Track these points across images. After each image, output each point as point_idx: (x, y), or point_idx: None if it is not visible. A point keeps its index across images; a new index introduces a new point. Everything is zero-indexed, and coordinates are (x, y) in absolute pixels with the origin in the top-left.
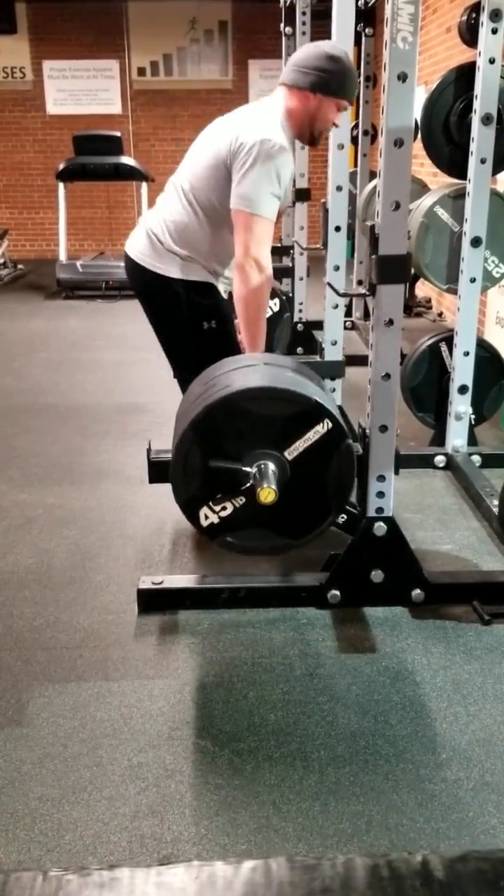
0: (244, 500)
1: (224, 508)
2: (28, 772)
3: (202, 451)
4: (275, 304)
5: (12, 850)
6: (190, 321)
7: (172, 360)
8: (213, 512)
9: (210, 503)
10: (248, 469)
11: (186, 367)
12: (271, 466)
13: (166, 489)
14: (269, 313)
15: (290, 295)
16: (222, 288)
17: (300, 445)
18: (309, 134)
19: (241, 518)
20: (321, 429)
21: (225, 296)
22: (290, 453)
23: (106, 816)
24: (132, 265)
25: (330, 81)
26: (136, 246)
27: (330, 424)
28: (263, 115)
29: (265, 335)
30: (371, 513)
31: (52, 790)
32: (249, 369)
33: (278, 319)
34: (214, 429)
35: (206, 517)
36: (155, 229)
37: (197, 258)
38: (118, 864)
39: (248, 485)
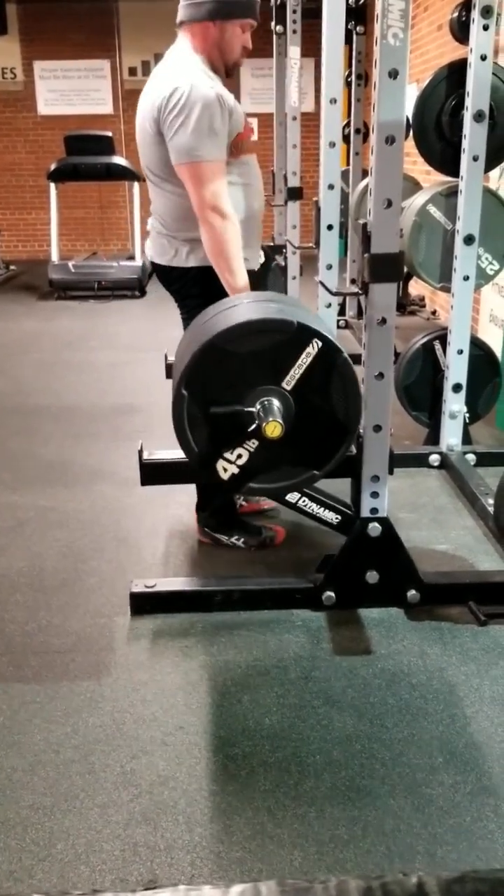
0: (256, 442)
1: (240, 456)
2: (19, 779)
3: (199, 404)
4: (259, 257)
5: (3, 859)
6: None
7: None
8: (231, 462)
9: (224, 455)
10: (250, 409)
11: None
12: (274, 402)
13: (159, 491)
14: (258, 267)
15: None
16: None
17: (296, 372)
18: (222, 65)
19: (260, 461)
20: (312, 350)
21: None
22: (289, 383)
23: (98, 824)
24: (156, 268)
25: (225, 4)
26: (152, 249)
27: (319, 343)
28: (172, 66)
29: (248, 285)
30: (365, 513)
31: (44, 798)
32: (229, 310)
33: (265, 270)
34: (206, 379)
35: (225, 469)
36: (157, 227)
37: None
38: (101, 890)
39: (255, 425)
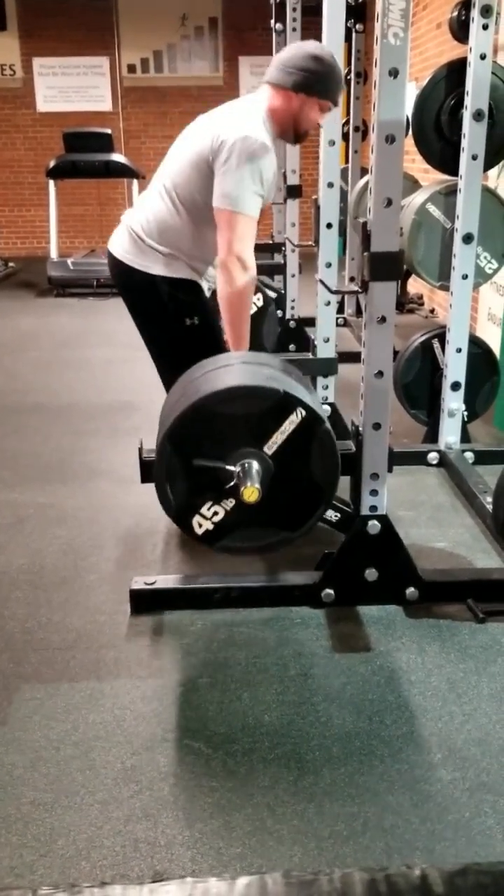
0: (233, 501)
1: (216, 513)
2: (20, 776)
3: (182, 460)
4: (258, 300)
5: (4, 855)
6: (173, 318)
7: (157, 359)
8: (206, 518)
9: (201, 510)
10: (231, 468)
11: (171, 366)
12: (254, 465)
13: None
14: (253, 309)
15: (283, 292)
16: (206, 286)
17: (278, 438)
18: (293, 133)
19: (235, 520)
20: (295, 418)
21: (208, 294)
22: (270, 447)
23: (99, 820)
24: (115, 263)
25: (314, 82)
26: (119, 243)
27: (303, 413)
28: (246, 112)
29: (249, 333)
30: (364, 511)
31: (45, 794)
32: (222, 370)
33: (263, 314)
34: (191, 436)
35: (200, 525)
36: (136, 227)
37: (179, 255)
38: (109, 882)
39: (233, 484)
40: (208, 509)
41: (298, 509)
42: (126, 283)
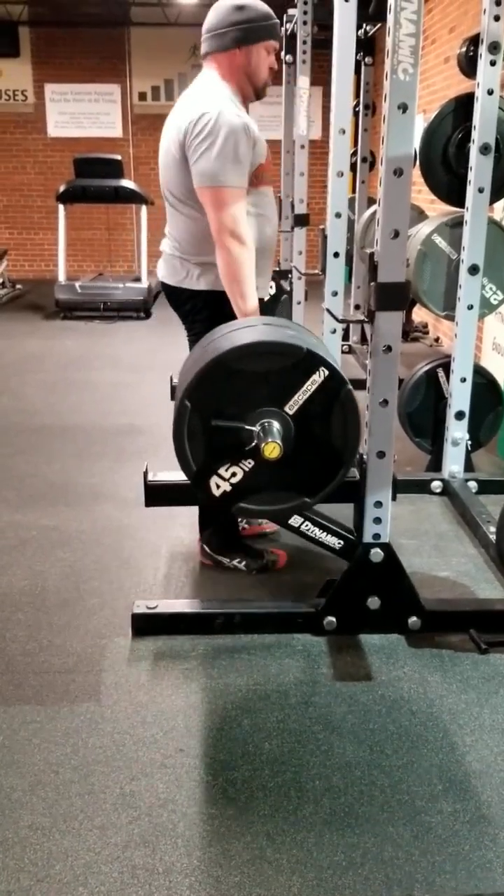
0: (252, 462)
1: (234, 474)
2: (18, 799)
3: (202, 418)
4: (271, 288)
5: (1, 879)
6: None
7: None
8: (224, 480)
9: (219, 472)
10: (251, 428)
11: None
12: (275, 423)
13: (161, 512)
14: (267, 297)
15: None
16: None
17: (300, 398)
18: (252, 89)
19: (253, 482)
20: (318, 378)
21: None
22: (291, 407)
23: (97, 846)
24: (166, 289)
25: (248, 31)
26: (163, 270)
27: (326, 372)
28: (201, 93)
29: (258, 309)
30: (368, 538)
31: (43, 818)
32: (244, 329)
33: (276, 302)
34: (211, 393)
35: (218, 486)
36: (170, 250)
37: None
38: None
39: (253, 444)
40: (226, 470)
41: (317, 473)
42: (178, 302)
